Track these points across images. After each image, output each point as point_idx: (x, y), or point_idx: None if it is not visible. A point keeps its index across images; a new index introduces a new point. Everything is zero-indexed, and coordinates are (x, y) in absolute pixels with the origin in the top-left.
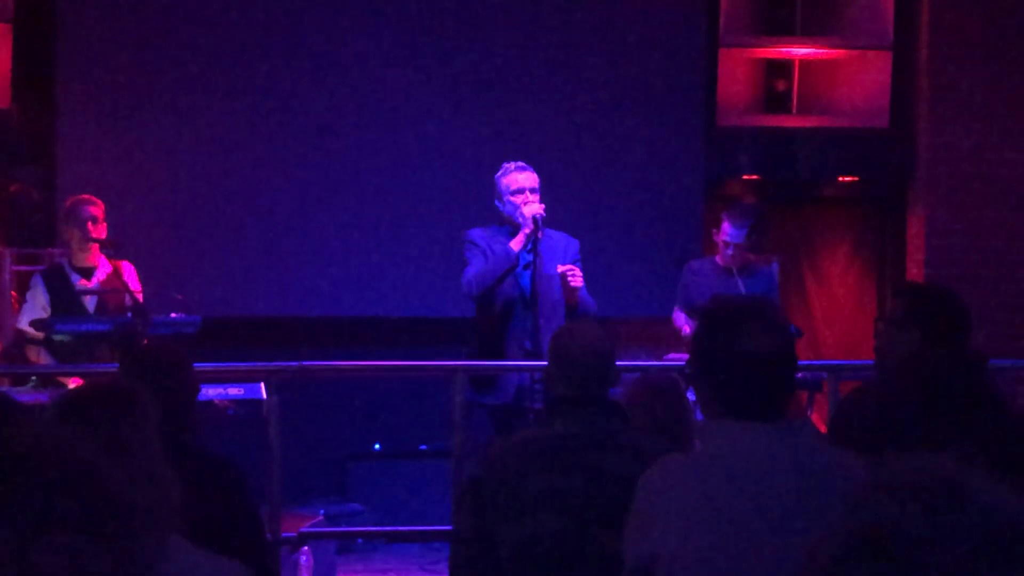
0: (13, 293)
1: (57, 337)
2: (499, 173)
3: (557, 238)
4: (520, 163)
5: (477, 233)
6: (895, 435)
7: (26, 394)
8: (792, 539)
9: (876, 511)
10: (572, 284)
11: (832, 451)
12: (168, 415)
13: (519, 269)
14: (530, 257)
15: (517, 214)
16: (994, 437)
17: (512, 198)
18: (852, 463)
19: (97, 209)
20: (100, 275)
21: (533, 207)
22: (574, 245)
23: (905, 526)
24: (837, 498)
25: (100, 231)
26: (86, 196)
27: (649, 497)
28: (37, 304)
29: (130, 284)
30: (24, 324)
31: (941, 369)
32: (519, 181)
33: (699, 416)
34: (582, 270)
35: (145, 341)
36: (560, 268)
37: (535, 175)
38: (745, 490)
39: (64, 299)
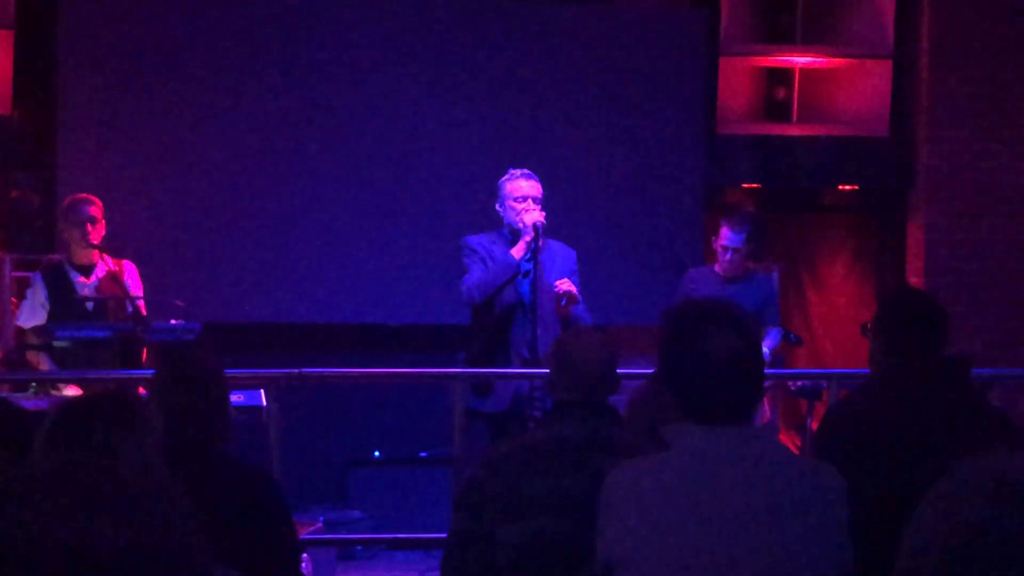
0: (13, 299)
1: (57, 344)
2: (504, 177)
3: (555, 248)
4: (527, 171)
5: (475, 239)
6: (876, 443)
7: (27, 400)
8: (752, 544)
9: (970, 515)
10: (568, 303)
11: (794, 457)
12: (203, 424)
13: (518, 278)
14: (529, 265)
15: (517, 220)
16: (975, 441)
17: (514, 204)
18: (815, 469)
19: (96, 209)
20: (99, 272)
21: (534, 215)
22: (572, 255)
23: (1002, 525)
24: (802, 504)
25: (99, 231)
26: (83, 196)
27: (613, 498)
28: (36, 302)
29: (131, 284)
30: (24, 321)
31: (915, 376)
32: (523, 189)
33: None
34: (579, 280)
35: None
36: (559, 288)
37: (539, 185)
38: (708, 494)
39: (63, 297)
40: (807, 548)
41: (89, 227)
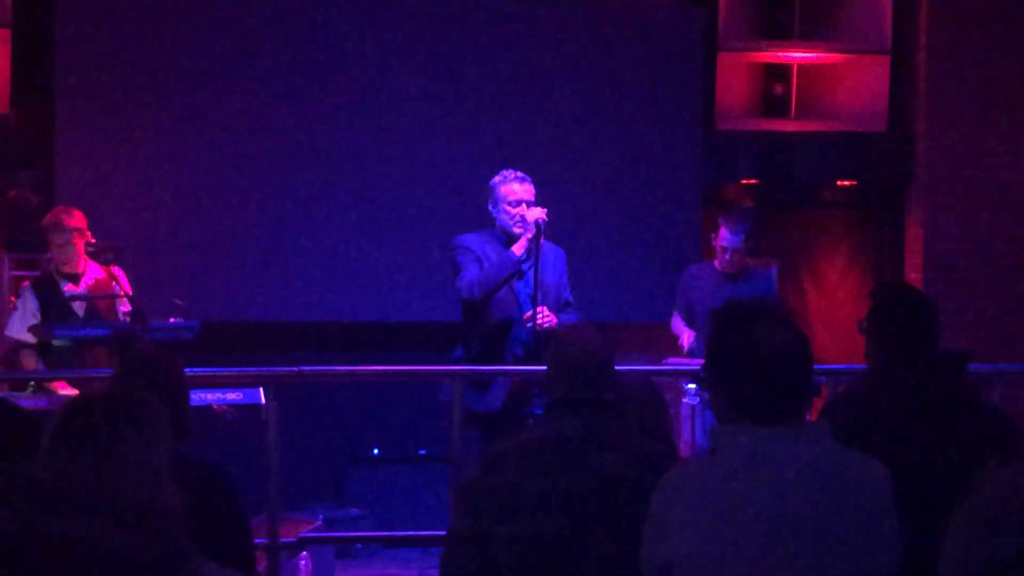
0: (12, 298)
1: (56, 342)
2: (497, 179)
3: (547, 247)
4: (520, 173)
5: (468, 239)
6: (873, 438)
7: (25, 399)
8: (808, 543)
9: (1019, 535)
10: (543, 325)
11: (850, 454)
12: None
13: (513, 277)
14: (527, 264)
15: (512, 224)
16: (970, 435)
17: (508, 207)
18: (870, 466)
19: (77, 221)
20: (88, 280)
21: (536, 211)
22: (562, 255)
23: None
24: (855, 500)
25: (84, 241)
26: (63, 212)
27: (666, 502)
28: (27, 312)
29: (121, 288)
30: (15, 332)
31: (904, 373)
32: (517, 192)
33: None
34: (569, 281)
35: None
36: (539, 319)
37: (532, 187)
38: (761, 495)
39: (54, 306)
40: (862, 543)
41: (76, 240)
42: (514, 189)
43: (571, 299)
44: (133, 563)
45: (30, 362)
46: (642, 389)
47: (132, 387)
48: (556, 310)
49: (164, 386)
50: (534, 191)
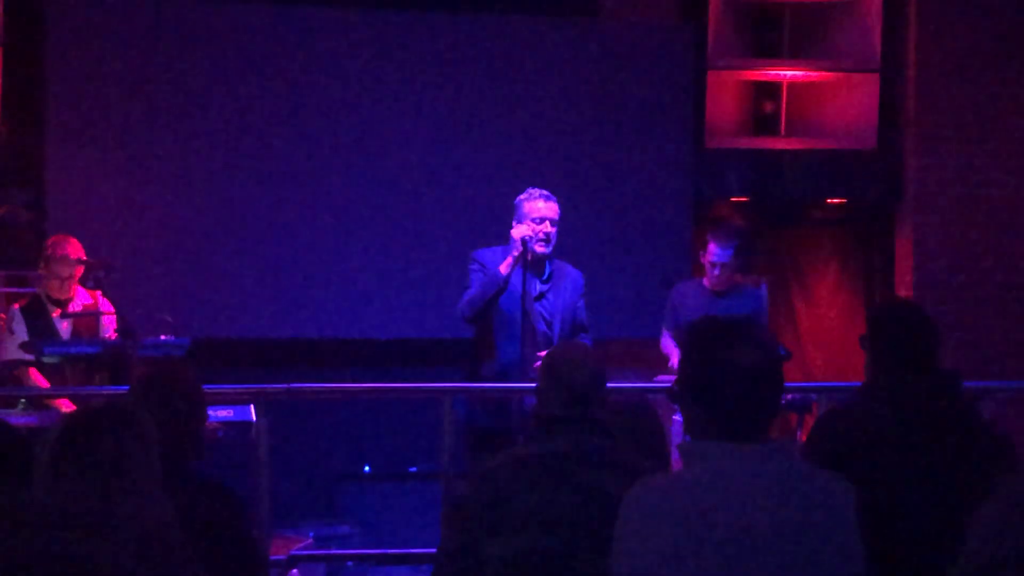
0: (2, 315)
1: (46, 359)
2: (523, 196)
3: (563, 270)
4: (546, 192)
5: (484, 254)
6: (866, 454)
7: (16, 416)
8: (772, 559)
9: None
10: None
11: (815, 472)
12: (175, 441)
13: (518, 295)
14: (544, 288)
15: (533, 241)
16: (969, 451)
17: (532, 224)
18: (835, 484)
19: (74, 251)
20: (76, 306)
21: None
22: (579, 278)
23: None
24: (819, 518)
25: (78, 272)
26: (62, 243)
27: (632, 518)
28: (17, 338)
29: (104, 315)
30: (11, 355)
31: (903, 389)
32: (540, 210)
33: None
34: (585, 303)
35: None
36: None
37: (557, 206)
38: (728, 511)
39: (42, 330)
40: (825, 561)
41: (76, 271)
42: (538, 207)
43: (586, 322)
44: None
45: (29, 379)
46: (636, 407)
47: (145, 403)
48: (569, 332)
49: (181, 401)
50: (558, 210)
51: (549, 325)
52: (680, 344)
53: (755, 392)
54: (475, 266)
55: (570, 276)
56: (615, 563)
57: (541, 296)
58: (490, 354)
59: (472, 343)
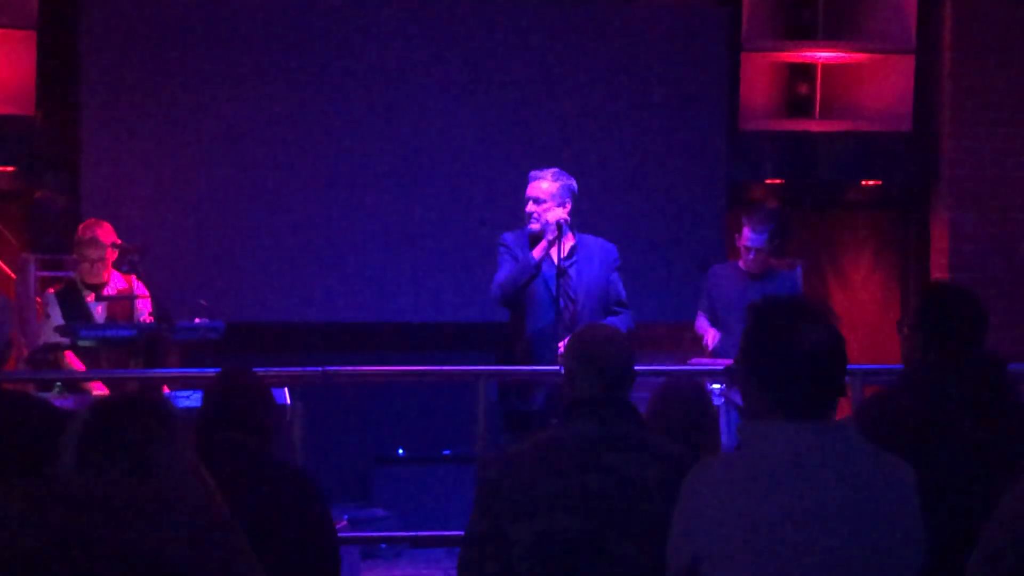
0: (38, 299)
1: (82, 343)
2: None
3: (593, 245)
4: (533, 171)
5: (510, 236)
6: (910, 439)
7: (52, 400)
8: (835, 539)
9: None
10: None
11: (876, 451)
12: (254, 433)
13: (549, 276)
14: (566, 264)
15: (528, 222)
16: (1014, 435)
17: (526, 206)
18: (899, 465)
19: (106, 236)
20: (110, 291)
21: (557, 212)
22: (612, 250)
23: None
24: (882, 498)
25: (111, 256)
26: (94, 227)
27: (693, 499)
28: (53, 321)
29: (139, 299)
30: (46, 338)
31: (950, 373)
32: (528, 190)
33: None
34: (620, 275)
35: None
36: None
37: (540, 184)
38: (788, 491)
39: (76, 315)
40: (888, 540)
41: (108, 255)
42: (528, 188)
43: (623, 296)
44: (190, 570)
45: (66, 363)
46: (687, 388)
47: (225, 414)
48: (603, 309)
49: (259, 405)
50: (541, 188)
51: (573, 302)
52: (714, 326)
53: (821, 371)
54: (503, 248)
55: (599, 251)
56: (674, 547)
57: (563, 272)
58: (519, 335)
59: (506, 325)
